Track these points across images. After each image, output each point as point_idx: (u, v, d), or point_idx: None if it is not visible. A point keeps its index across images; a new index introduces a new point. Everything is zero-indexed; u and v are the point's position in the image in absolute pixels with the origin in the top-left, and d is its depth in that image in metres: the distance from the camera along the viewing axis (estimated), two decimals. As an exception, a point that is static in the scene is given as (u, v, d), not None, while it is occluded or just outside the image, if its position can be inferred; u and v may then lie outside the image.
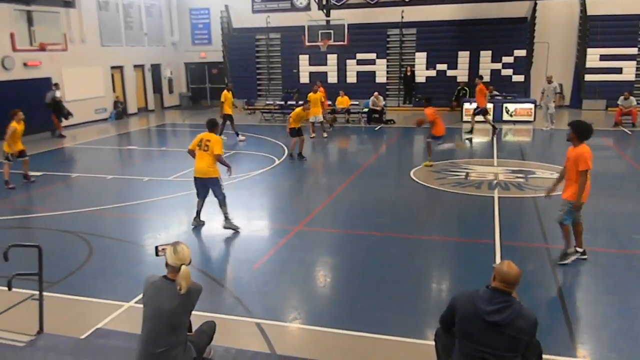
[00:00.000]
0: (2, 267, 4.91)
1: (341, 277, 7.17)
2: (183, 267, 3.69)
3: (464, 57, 23.91)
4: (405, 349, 5.26)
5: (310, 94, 17.03)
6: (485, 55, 23.70)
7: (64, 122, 19.30)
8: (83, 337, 5.06)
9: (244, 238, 8.58)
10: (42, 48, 19.29)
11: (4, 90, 17.58)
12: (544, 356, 3.89)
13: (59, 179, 12.82)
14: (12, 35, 18.17)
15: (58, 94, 19.22)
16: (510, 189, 10.91)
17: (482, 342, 3.55)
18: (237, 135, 17.25)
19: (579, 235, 7.14)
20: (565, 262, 7.07)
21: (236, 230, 8.72)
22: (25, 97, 18.27)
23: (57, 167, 13.77)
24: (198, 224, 9.00)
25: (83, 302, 6.32)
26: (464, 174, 12.24)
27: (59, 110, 18.97)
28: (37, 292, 5.04)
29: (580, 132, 6.78)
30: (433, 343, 4.25)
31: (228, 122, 17.25)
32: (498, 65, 23.59)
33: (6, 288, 4.70)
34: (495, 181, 11.50)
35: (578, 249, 7.17)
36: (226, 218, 8.77)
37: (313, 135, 17.03)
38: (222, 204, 8.74)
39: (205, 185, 8.72)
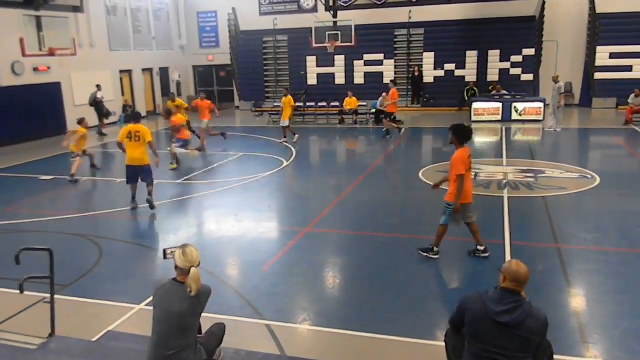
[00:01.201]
0: (14, 271, 4.95)
1: (350, 278, 7.16)
2: (193, 269, 3.71)
3: (472, 56, 23.84)
4: (415, 350, 5.24)
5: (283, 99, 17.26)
6: (494, 55, 23.61)
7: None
8: (94, 339, 5.09)
9: (253, 240, 8.60)
10: (51, 53, 19.45)
11: (14, 95, 17.77)
12: (555, 356, 3.86)
13: (69, 182, 12.90)
14: (21, 41, 18.34)
15: (99, 94, 20.22)
16: (520, 188, 10.86)
17: (493, 343, 3.54)
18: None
19: (475, 234, 7.29)
20: (427, 255, 7.35)
21: (152, 207, 9.84)
22: (35, 102, 18.47)
23: (66, 171, 13.85)
24: (136, 207, 10.03)
25: (94, 304, 6.36)
26: (473, 174, 12.14)
27: (99, 109, 20.15)
28: (49, 295, 5.08)
29: (460, 135, 6.94)
30: (443, 344, 4.24)
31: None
32: (507, 65, 23.50)
33: (18, 291, 4.72)
34: (504, 181, 11.44)
35: (479, 247, 7.33)
36: (150, 193, 9.92)
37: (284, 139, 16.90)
38: (151, 184, 9.94)
39: (138, 173, 9.81)
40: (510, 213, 9.26)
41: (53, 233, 9.08)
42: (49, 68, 19.57)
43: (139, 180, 9.94)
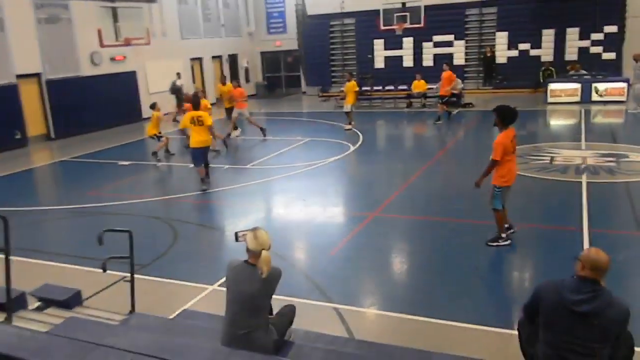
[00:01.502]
0: (96, 251, 5.23)
1: (418, 264, 7.09)
2: (264, 251, 3.77)
3: (548, 35, 22.75)
4: (486, 337, 5.13)
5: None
6: (572, 33, 22.43)
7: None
8: (171, 317, 5.33)
9: (321, 224, 8.67)
10: (127, 43, 20.25)
11: (93, 84, 18.67)
12: (636, 348, 3.68)
13: (145, 167, 13.47)
14: (99, 32, 19.19)
15: (179, 82, 21.10)
16: (599, 173, 10.33)
17: (569, 333, 3.43)
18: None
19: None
20: (497, 244, 7.14)
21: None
22: (113, 91, 19.32)
23: (143, 156, 14.47)
24: (207, 188, 10.67)
25: (170, 284, 6.64)
26: (549, 158, 11.71)
27: (178, 96, 20.79)
28: (129, 274, 5.34)
29: (504, 116, 6.83)
30: (515, 332, 4.13)
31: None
32: (586, 43, 22.27)
33: (101, 270, 4.99)
34: (583, 165, 10.92)
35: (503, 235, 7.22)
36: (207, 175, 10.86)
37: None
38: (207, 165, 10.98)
39: (204, 153, 10.72)
40: (589, 199, 8.83)
41: (132, 215, 9.52)
42: (124, 57, 20.40)
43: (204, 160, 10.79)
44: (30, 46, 16.84)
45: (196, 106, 10.82)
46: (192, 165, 11.43)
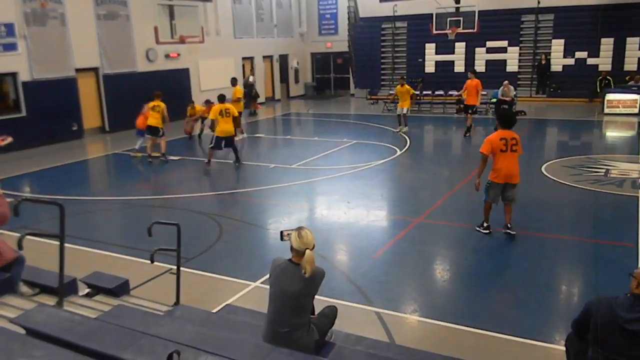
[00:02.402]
0: (145, 242, 5.36)
1: (463, 273, 6.96)
2: (307, 251, 3.78)
3: (607, 44, 21.99)
4: (531, 351, 4.99)
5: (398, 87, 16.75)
6: (632, 42, 21.62)
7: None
8: (214, 311, 5.41)
9: (364, 227, 8.64)
10: (181, 40, 20.73)
11: (148, 80, 19.15)
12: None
13: (194, 163, 13.74)
14: (155, 29, 19.71)
15: (251, 79, 22.36)
16: (658, 188, 9.91)
17: (621, 352, 3.32)
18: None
19: (486, 210, 7.92)
20: (478, 230, 7.96)
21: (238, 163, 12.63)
22: (166, 87, 19.76)
23: (193, 152, 14.78)
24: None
25: (214, 278, 6.74)
26: (604, 170, 11.30)
27: (250, 92, 21.96)
28: (175, 267, 5.45)
29: (499, 119, 7.99)
30: (562, 348, 4.01)
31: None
32: (647, 53, 21.44)
33: (149, 261, 5.12)
34: (639, 180, 10.49)
35: (484, 224, 7.94)
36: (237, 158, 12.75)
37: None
38: (237, 151, 12.72)
39: (230, 141, 12.49)
40: (646, 215, 8.47)
41: (178, 209, 9.73)
42: (179, 55, 20.89)
43: (223, 147, 12.59)
44: (89, 41, 17.47)
45: (222, 100, 12.67)
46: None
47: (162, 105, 13.53)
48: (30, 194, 11.26)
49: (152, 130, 13.51)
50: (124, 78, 18.53)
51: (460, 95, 20.41)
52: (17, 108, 15.73)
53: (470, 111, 16.00)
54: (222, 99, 12.82)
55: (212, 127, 14.96)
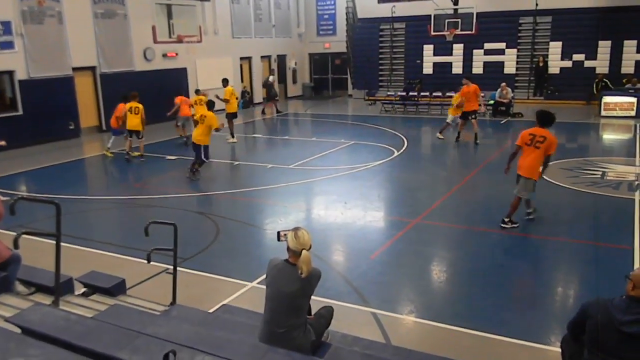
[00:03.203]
0: (141, 241, 5.35)
1: (459, 274, 6.97)
2: (304, 251, 3.78)
3: (604, 47, 22.05)
4: (527, 352, 5.00)
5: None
6: (630, 45, 21.67)
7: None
8: (211, 311, 5.40)
9: (361, 228, 8.64)
10: (179, 40, 20.71)
11: (145, 79, 19.12)
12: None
13: (189, 163, 13.70)
14: (153, 28, 19.68)
15: (271, 78, 22.60)
16: (654, 191, 9.93)
17: (616, 354, 3.33)
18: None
19: (512, 207, 8.29)
20: (504, 226, 8.23)
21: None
22: (163, 86, 19.76)
23: (189, 152, 14.73)
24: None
25: (210, 278, 6.74)
26: (601, 173, 11.33)
27: (269, 91, 22.36)
28: (172, 267, 5.44)
29: (537, 117, 8.15)
30: (557, 349, 4.02)
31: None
32: (644, 56, 21.51)
33: (145, 261, 5.11)
34: (636, 182, 10.52)
35: (505, 219, 8.27)
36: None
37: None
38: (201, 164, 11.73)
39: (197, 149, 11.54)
40: (642, 217, 8.50)
41: (175, 209, 9.71)
42: (176, 54, 20.86)
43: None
44: (86, 40, 17.44)
45: (209, 106, 11.97)
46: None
47: (141, 106, 13.47)
48: (27, 192, 11.23)
49: (133, 133, 13.60)
50: (121, 77, 18.48)
51: (461, 103, 20.43)
52: (14, 106, 15.70)
53: (472, 117, 15.33)
54: (209, 105, 12.10)
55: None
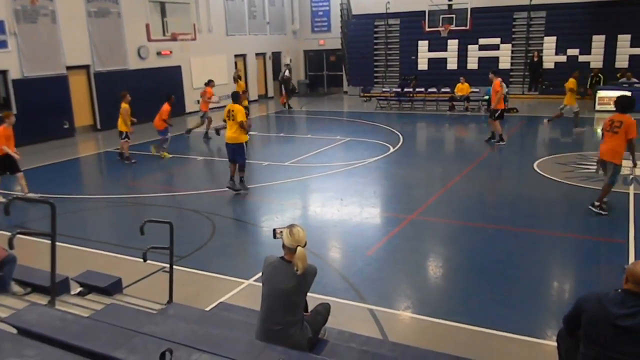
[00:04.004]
0: (137, 240, 5.34)
1: (455, 269, 6.99)
2: (299, 248, 3.78)
3: (598, 41, 22.09)
4: (523, 347, 5.02)
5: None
6: (624, 39, 21.70)
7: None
8: (208, 309, 5.40)
9: (357, 224, 8.64)
10: (173, 38, 20.64)
11: (139, 78, 19.07)
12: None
13: (186, 161, 13.70)
14: (147, 26, 19.61)
15: (287, 73, 22.81)
16: (648, 185, 9.98)
17: (612, 347, 3.32)
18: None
19: (603, 192, 8.54)
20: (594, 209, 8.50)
21: (239, 191, 10.23)
22: (158, 85, 19.70)
23: (184, 150, 14.73)
24: (233, 187, 10.25)
25: (207, 276, 6.73)
26: (595, 167, 11.35)
27: (287, 86, 22.64)
28: (168, 265, 5.43)
29: (616, 102, 8.44)
30: (553, 343, 4.04)
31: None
32: (638, 50, 21.52)
33: (141, 259, 5.10)
34: (631, 176, 10.56)
35: (595, 203, 8.57)
36: (241, 180, 10.29)
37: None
38: (241, 168, 10.21)
39: (234, 150, 10.13)
40: (636, 211, 8.53)
41: (171, 207, 9.69)
42: (171, 52, 20.80)
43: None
44: (80, 39, 17.36)
45: (235, 99, 10.42)
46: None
47: (122, 106, 13.10)
48: (21, 192, 11.18)
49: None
50: (115, 76, 18.43)
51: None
52: (8, 106, 15.59)
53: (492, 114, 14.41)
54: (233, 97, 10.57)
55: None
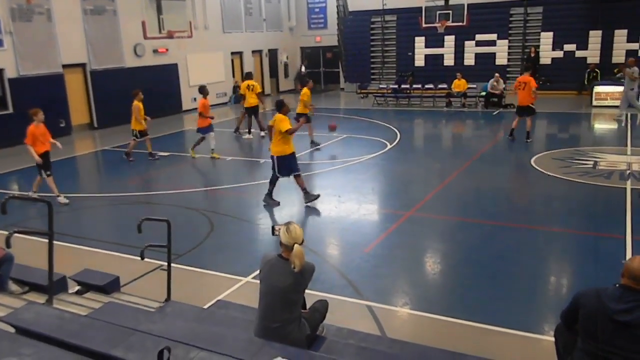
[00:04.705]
0: (135, 238, 5.33)
1: (453, 265, 6.99)
2: (296, 246, 3.78)
3: (595, 36, 22.10)
4: (521, 342, 5.03)
5: None
6: (620, 35, 21.71)
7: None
8: (206, 307, 5.40)
9: (355, 221, 8.64)
10: (169, 35, 20.52)
11: (136, 75, 19.00)
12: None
13: (183, 159, 13.67)
14: (143, 24, 19.51)
15: (303, 68, 23.80)
16: (645, 180, 10.01)
17: (610, 343, 3.33)
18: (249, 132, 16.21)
19: None
20: None
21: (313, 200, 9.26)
22: (154, 82, 19.66)
23: (181, 148, 14.70)
24: (308, 199, 9.30)
25: (205, 274, 6.72)
26: (592, 162, 11.39)
27: (302, 81, 21.83)
28: (166, 263, 5.43)
29: None
30: (551, 339, 4.05)
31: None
32: (634, 46, 21.53)
33: (139, 258, 5.09)
34: (628, 171, 10.58)
35: None
36: (305, 192, 9.32)
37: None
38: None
39: (281, 164, 9.13)
40: (633, 206, 8.55)
41: (169, 205, 9.68)
42: (167, 50, 20.74)
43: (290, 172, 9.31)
44: (76, 37, 17.30)
45: (278, 108, 9.17)
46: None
47: (134, 104, 12.86)
48: (18, 191, 11.16)
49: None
50: (111, 74, 18.39)
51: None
52: (4, 105, 15.57)
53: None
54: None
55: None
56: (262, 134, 15.64)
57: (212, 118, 13.16)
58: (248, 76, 16.11)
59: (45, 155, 9.69)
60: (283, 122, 8.91)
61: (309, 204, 9.25)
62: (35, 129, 9.52)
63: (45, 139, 9.70)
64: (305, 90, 14.12)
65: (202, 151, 13.54)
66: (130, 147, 13.26)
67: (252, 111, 15.76)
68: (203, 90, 13.26)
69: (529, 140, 13.59)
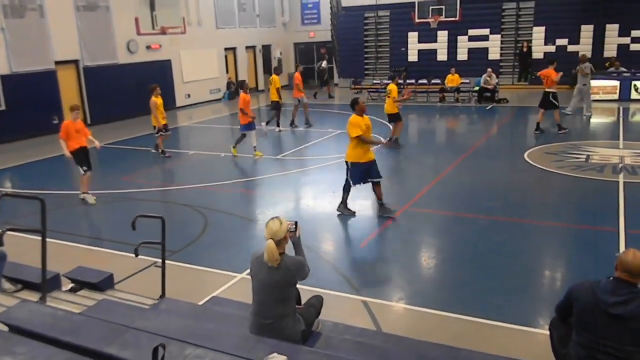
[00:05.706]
0: (129, 235, 5.31)
1: (448, 260, 7.01)
2: (269, 241, 3.76)
3: (587, 31, 22.18)
4: (516, 336, 5.05)
5: None
6: (612, 29, 21.81)
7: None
8: (200, 303, 5.39)
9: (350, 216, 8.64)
10: (163, 31, 20.47)
11: (129, 72, 18.92)
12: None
13: (177, 155, 13.62)
14: (136, 20, 19.44)
15: (324, 64, 24.47)
16: (638, 173, 10.04)
17: (604, 335, 3.36)
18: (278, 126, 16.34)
19: None
20: None
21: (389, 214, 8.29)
22: (148, 79, 19.53)
23: (175, 144, 14.65)
24: (385, 213, 8.35)
25: (200, 271, 6.71)
26: (585, 156, 11.43)
27: (321, 77, 23.67)
28: (160, 260, 5.41)
29: None
30: (546, 332, 4.06)
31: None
32: (626, 40, 21.64)
33: (133, 255, 5.07)
34: (620, 165, 10.63)
35: None
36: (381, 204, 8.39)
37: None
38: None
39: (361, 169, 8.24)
40: (626, 199, 8.59)
41: (164, 202, 9.65)
42: (160, 46, 20.64)
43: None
44: (68, 33, 17.19)
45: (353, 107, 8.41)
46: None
47: (151, 100, 12.62)
48: (11, 188, 11.10)
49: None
50: (105, 70, 18.29)
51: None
52: (-4, 102, 15.48)
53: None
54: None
55: None
56: (277, 129, 15.97)
57: (253, 118, 12.43)
58: (275, 71, 17.00)
59: (79, 151, 9.61)
60: (352, 127, 7.92)
61: (386, 214, 8.25)
62: (70, 124, 9.49)
63: (80, 135, 9.60)
64: (391, 86, 13.36)
65: (244, 150, 13.20)
66: (160, 145, 13.06)
67: (275, 106, 16.24)
68: (243, 85, 12.94)
69: (561, 132, 13.85)
